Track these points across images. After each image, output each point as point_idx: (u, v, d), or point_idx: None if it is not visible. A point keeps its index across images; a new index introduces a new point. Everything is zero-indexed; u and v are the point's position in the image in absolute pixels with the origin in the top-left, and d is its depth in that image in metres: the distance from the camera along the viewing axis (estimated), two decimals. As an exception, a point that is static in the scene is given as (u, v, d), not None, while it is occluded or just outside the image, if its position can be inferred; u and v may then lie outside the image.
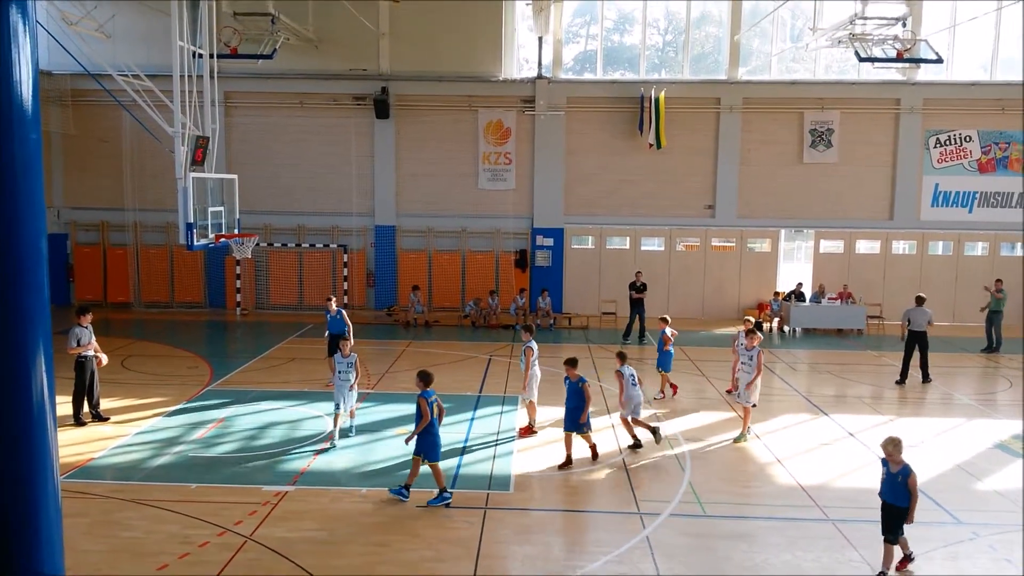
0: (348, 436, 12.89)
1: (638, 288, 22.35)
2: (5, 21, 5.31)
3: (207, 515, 9.81)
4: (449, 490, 10.43)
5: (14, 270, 5.39)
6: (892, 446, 8.46)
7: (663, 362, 15.67)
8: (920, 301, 17.72)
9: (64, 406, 13.05)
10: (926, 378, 17.56)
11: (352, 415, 13.14)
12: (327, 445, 12.50)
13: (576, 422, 11.79)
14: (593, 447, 12.12)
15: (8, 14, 5.31)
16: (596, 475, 11.60)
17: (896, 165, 25.38)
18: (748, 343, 13.30)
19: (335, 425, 12.71)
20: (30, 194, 5.45)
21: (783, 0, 22.65)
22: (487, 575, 8.57)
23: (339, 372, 12.62)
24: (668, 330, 15.68)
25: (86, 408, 13.69)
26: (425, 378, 10.41)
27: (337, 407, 12.62)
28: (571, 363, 11.99)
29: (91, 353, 13.59)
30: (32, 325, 5.50)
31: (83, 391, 13.59)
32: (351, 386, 12.70)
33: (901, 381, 17.45)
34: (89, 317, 13.68)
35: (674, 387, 15.97)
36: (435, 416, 10.25)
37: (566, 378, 11.96)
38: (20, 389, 5.48)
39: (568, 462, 11.80)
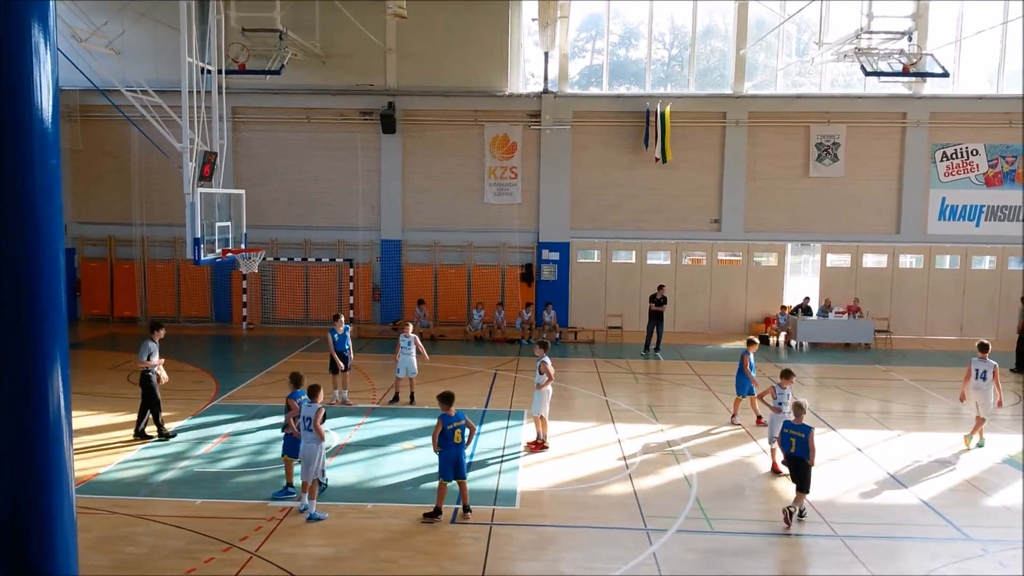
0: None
1: (659, 301, 22.33)
2: (27, 40, 5.23)
3: (212, 531, 9.79)
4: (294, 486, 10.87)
5: (34, 289, 5.49)
6: (798, 409, 10.45)
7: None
8: None
9: (93, 417, 13.07)
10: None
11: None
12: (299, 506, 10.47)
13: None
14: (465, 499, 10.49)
15: (31, 33, 5.23)
16: (603, 491, 11.55)
17: (903, 179, 25.34)
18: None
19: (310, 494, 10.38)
20: (49, 218, 5.51)
21: (796, 8, 22.69)
22: (493, 592, 8.54)
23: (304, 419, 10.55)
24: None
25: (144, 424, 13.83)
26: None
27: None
28: (444, 399, 10.40)
29: (155, 369, 13.69)
30: (50, 341, 5.62)
31: (155, 404, 13.65)
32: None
33: (1016, 369, 19.74)
34: (161, 333, 13.94)
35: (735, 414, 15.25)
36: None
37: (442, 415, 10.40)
38: (38, 401, 5.62)
39: (437, 513, 10.29)
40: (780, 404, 12.27)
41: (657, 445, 13.65)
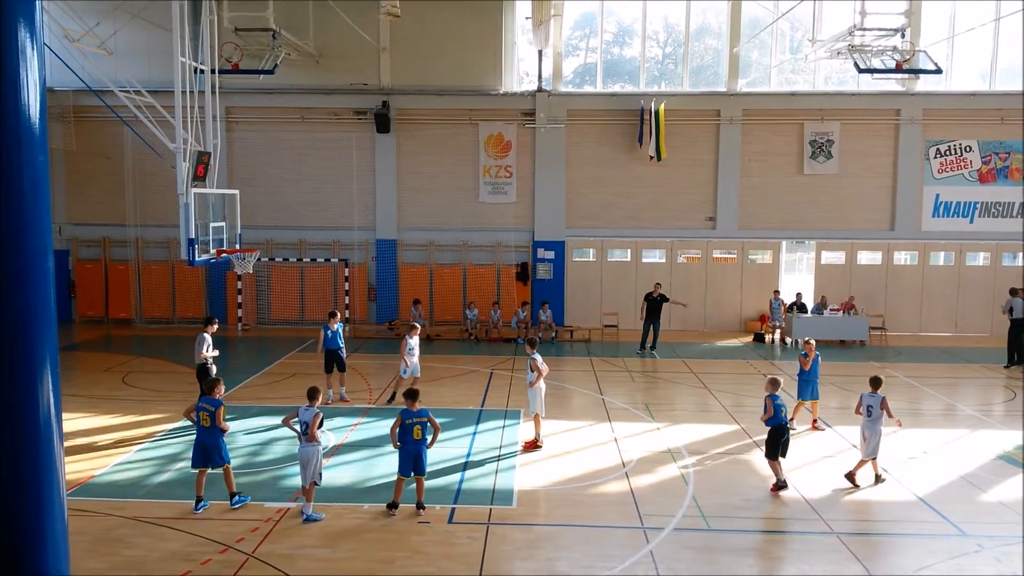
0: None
1: (655, 300, 22.34)
2: (13, 40, 5.29)
3: (209, 532, 9.78)
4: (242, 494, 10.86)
5: (21, 289, 5.45)
6: (772, 385, 11.41)
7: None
8: (1013, 292, 20.72)
9: (89, 419, 12.98)
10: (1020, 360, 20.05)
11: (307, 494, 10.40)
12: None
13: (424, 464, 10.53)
14: (420, 498, 10.54)
15: (17, 32, 5.29)
16: (600, 489, 11.56)
17: (896, 176, 25.38)
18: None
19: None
20: (37, 216, 5.48)
21: (789, 6, 22.72)
22: (490, 591, 8.53)
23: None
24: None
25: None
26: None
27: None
28: (410, 395, 10.63)
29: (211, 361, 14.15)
30: (39, 342, 5.58)
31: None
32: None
33: (1008, 365, 19.99)
34: (214, 327, 14.55)
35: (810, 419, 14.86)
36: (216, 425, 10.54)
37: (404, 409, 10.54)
38: (27, 404, 5.57)
39: (419, 507, 10.47)
40: (869, 408, 11.74)
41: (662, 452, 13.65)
